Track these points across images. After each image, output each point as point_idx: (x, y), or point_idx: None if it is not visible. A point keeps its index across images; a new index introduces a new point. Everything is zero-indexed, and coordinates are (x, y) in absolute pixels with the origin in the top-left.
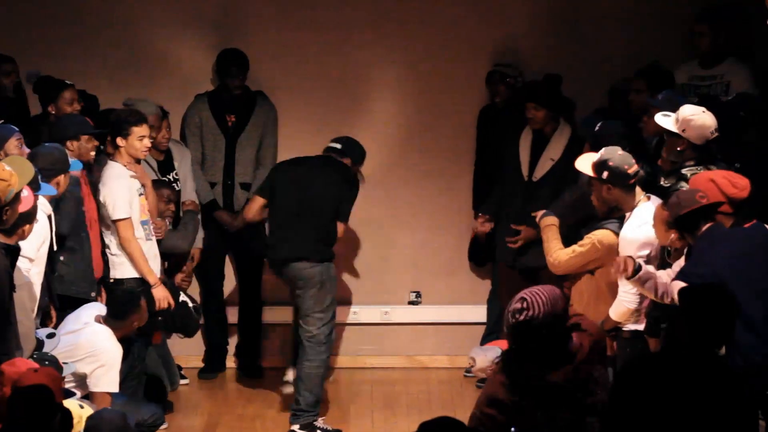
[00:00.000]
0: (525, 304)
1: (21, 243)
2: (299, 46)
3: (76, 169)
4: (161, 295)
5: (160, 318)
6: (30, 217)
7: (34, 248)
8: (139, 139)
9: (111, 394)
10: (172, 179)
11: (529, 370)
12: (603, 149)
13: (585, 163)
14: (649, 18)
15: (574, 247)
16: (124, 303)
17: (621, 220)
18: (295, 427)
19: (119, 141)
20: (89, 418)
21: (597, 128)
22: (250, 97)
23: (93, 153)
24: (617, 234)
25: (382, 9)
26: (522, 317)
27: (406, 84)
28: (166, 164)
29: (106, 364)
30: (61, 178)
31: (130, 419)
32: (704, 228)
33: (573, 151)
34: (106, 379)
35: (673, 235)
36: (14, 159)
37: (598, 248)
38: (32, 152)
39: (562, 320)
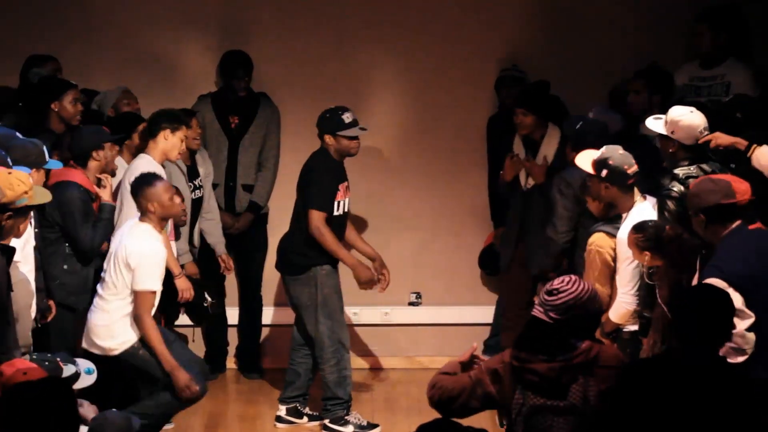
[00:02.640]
0: (560, 283)
1: None
2: (300, 48)
3: (55, 167)
4: (184, 286)
5: (181, 308)
6: (24, 213)
7: (18, 249)
8: (182, 139)
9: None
10: (197, 185)
11: (521, 352)
12: (604, 147)
13: (585, 160)
14: (649, 19)
15: (589, 279)
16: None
17: (612, 221)
18: (326, 421)
19: (166, 134)
20: (93, 420)
21: (578, 127)
22: (254, 98)
23: (115, 162)
24: (610, 233)
25: (382, 11)
26: (549, 290)
27: (407, 85)
28: (192, 170)
29: (140, 262)
30: (34, 172)
31: (135, 422)
32: (734, 225)
33: (564, 153)
34: (140, 276)
35: (647, 257)
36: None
37: (601, 251)
38: (6, 144)
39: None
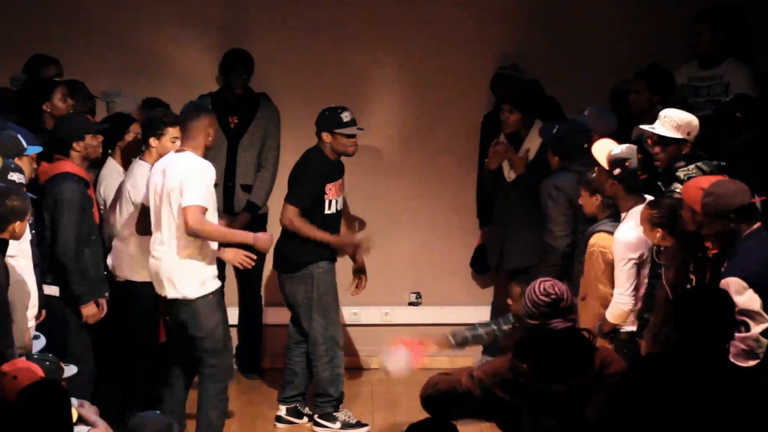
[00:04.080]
0: (557, 290)
1: None
2: (300, 48)
3: (35, 151)
4: (231, 256)
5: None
6: (22, 214)
7: (15, 243)
8: (172, 141)
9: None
10: None
11: (530, 371)
12: (625, 146)
13: (601, 151)
14: (649, 19)
15: (590, 280)
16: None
17: (612, 220)
18: (315, 416)
19: (152, 141)
20: (133, 418)
21: (555, 131)
22: (254, 98)
23: (100, 149)
24: (610, 232)
25: (382, 11)
26: (553, 299)
27: (407, 86)
28: None
29: (187, 178)
30: (17, 161)
31: (175, 429)
32: (755, 226)
33: (547, 149)
34: (188, 192)
35: (659, 234)
36: None
37: (604, 251)
38: None
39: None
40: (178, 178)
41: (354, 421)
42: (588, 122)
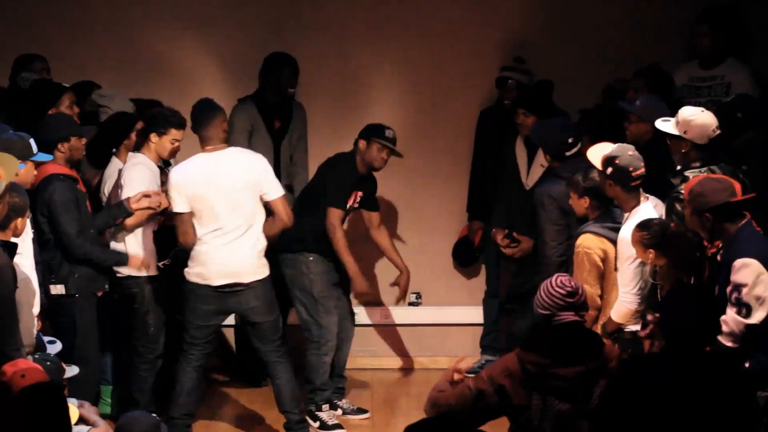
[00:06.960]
0: (572, 284)
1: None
2: (299, 48)
3: (46, 159)
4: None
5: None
6: (22, 210)
7: (17, 241)
8: (172, 142)
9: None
10: None
11: (542, 358)
12: (616, 145)
13: (596, 154)
14: (649, 20)
15: (576, 273)
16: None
17: (600, 221)
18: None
19: (153, 137)
20: (122, 417)
21: (537, 131)
22: (289, 101)
23: (84, 151)
24: (598, 234)
25: (381, 11)
26: (567, 291)
27: (406, 86)
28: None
29: (260, 174)
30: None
31: (163, 428)
32: (744, 221)
33: None
34: (274, 183)
35: (651, 254)
36: None
37: (589, 252)
38: None
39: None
40: (255, 172)
41: (332, 423)
42: (640, 111)
